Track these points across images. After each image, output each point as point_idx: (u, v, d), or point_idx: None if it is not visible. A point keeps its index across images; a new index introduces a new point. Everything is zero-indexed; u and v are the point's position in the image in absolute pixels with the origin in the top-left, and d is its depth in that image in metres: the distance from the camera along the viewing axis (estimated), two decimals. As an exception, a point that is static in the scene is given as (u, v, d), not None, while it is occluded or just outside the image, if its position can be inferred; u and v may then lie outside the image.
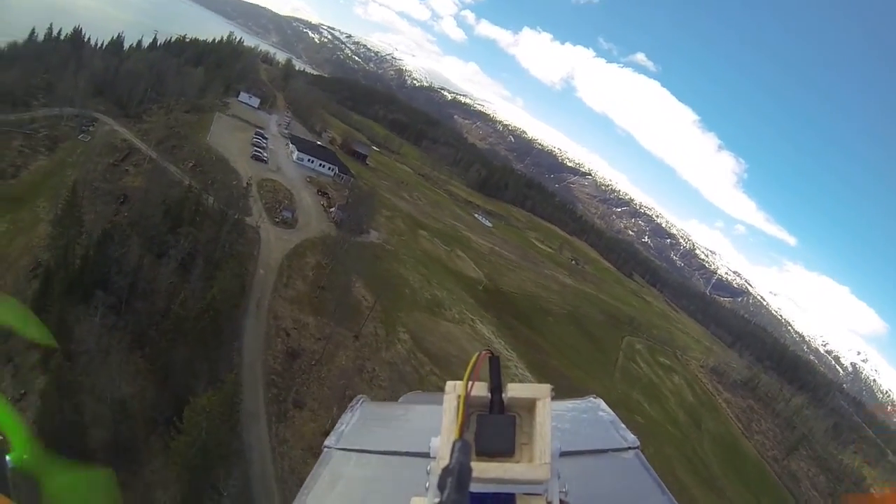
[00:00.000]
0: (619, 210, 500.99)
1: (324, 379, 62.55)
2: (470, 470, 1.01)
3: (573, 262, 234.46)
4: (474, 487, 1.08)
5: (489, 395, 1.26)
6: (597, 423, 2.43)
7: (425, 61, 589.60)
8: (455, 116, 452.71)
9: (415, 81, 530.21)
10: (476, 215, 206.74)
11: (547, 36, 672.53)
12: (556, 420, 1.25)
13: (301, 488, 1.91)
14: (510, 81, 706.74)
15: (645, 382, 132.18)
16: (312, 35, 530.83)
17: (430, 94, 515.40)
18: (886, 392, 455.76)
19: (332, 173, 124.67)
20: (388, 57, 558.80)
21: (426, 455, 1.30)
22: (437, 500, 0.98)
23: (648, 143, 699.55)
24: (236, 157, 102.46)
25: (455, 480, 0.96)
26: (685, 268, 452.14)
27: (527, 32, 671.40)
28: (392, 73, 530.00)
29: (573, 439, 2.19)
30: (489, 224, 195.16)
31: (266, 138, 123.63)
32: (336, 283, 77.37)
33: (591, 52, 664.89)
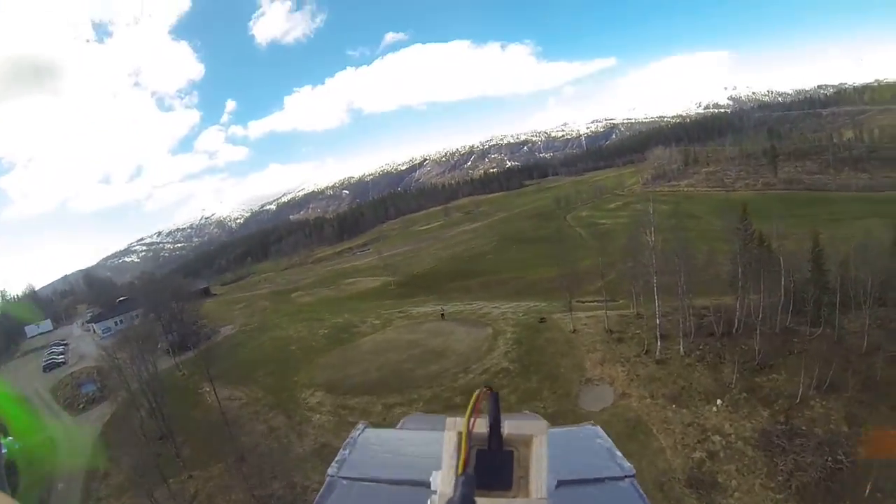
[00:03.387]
0: (469, 163, 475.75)
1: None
2: (473, 503, 1.01)
3: (467, 213, 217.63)
4: None
5: (488, 430, 1.23)
6: (593, 450, 2.40)
7: (234, 198, 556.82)
8: (290, 216, 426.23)
9: (237, 220, 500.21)
10: (352, 255, 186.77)
11: (306, 89, 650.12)
12: (554, 448, 1.24)
13: None
14: (310, 152, 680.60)
15: (618, 229, 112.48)
16: (129, 258, 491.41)
17: (258, 217, 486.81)
18: (769, 91, 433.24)
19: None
20: (202, 222, 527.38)
21: (427, 485, 1.30)
22: None
23: (449, 95, 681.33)
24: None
25: None
26: (554, 155, 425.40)
27: (288, 100, 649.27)
28: (214, 229, 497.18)
29: (570, 468, 2.16)
30: (368, 249, 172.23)
31: (65, 343, 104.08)
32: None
33: (350, 70, 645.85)
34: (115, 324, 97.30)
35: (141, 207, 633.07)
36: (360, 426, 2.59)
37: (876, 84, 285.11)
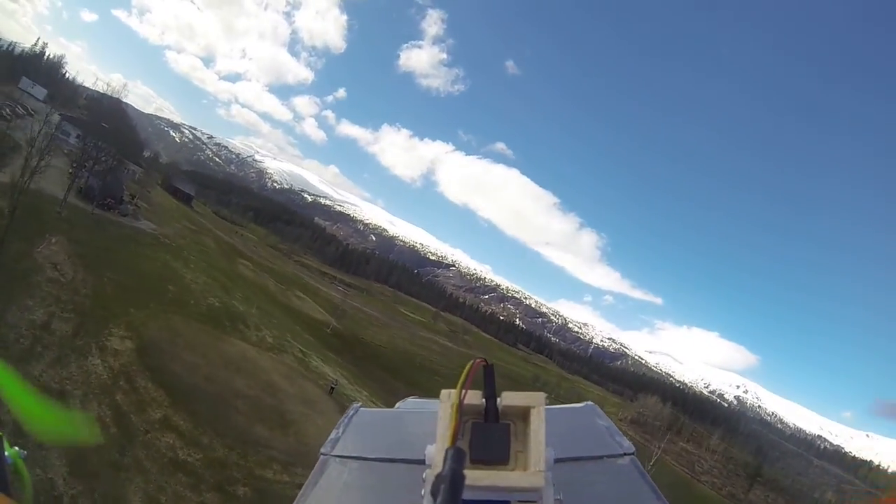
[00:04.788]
0: (487, 297, 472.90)
1: None
2: (463, 477, 0.94)
3: (452, 331, 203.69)
4: (469, 495, 1.02)
5: (484, 402, 1.14)
6: (592, 429, 2.20)
7: (286, 164, 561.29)
8: (315, 219, 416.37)
9: (275, 184, 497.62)
10: (330, 282, 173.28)
11: (406, 132, 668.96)
12: (552, 426, 1.16)
13: (297, 496, 1.80)
14: (370, 182, 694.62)
15: None
16: (173, 134, 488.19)
17: (291, 196, 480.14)
18: (772, 414, 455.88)
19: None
20: (249, 159, 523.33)
21: (423, 462, 1.22)
22: None
23: (511, 230, 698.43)
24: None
25: (448, 487, 0.90)
26: (561, 342, 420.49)
27: (386, 129, 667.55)
28: (253, 174, 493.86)
29: (568, 446, 2.00)
30: (346, 291, 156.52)
31: (30, 112, 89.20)
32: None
33: (450, 147, 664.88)
34: (76, 137, 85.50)
35: (213, 105, 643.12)
36: (355, 406, 2.40)
37: (878, 466, 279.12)
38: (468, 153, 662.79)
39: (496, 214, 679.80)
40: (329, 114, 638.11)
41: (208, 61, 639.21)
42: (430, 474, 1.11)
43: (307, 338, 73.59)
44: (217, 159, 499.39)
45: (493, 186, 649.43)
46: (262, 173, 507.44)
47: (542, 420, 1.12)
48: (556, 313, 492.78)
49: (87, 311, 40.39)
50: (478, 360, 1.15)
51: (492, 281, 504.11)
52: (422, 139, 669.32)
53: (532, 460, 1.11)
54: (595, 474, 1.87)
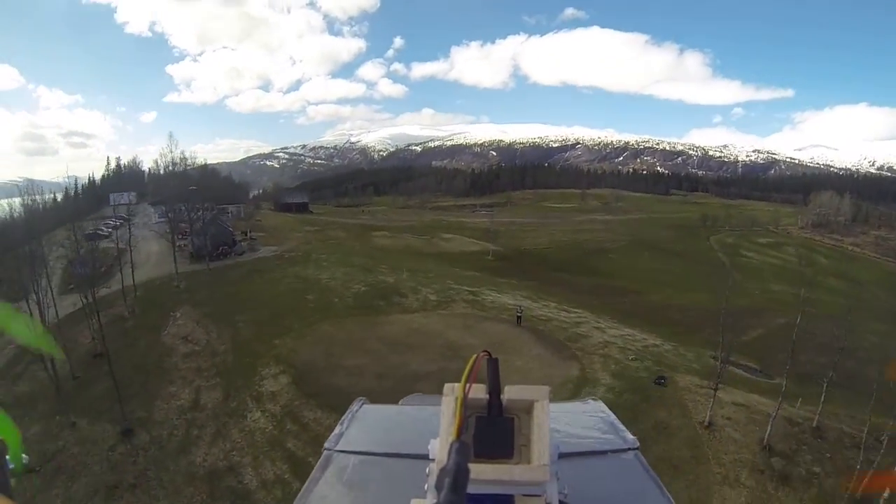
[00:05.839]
0: (621, 159, 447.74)
1: None
2: (467, 471, 0.95)
3: (604, 204, 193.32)
4: (473, 489, 1.02)
5: (488, 396, 1.17)
6: (596, 424, 2.35)
7: (382, 131, 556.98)
8: (433, 163, 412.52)
9: (380, 153, 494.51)
10: (471, 211, 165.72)
11: (475, 45, 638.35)
12: (556, 422, 1.23)
13: (301, 490, 1.83)
14: (467, 105, 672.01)
15: (766, 269, 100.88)
16: (269, 163, 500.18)
17: (400, 155, 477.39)
18: None
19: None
20: (346, 145, 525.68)
21: (426, 457, 1.25)
22: (434, 501, 0.93)
23: (615, 85, 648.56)
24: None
25: (451, 481, 0.91)
26: (708, 173, 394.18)
27: (456, 51, 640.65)
28: (357, 156, 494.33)
29: (573, 440, 2.15)
30: (491, 211, 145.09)
31: (123, 217, 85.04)
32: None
33: (522, 36, 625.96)
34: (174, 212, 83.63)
35: (292, 119, 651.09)
36: (359, 401, 2.52)
37: None
38: (542, 34, 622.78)
39: (595, 77, 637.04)
40: (397, 66, 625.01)
41: (266, 87, 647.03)
42: (434, 468, 1.09)
43: (471, 274, 67.65)
44: (320, 161, 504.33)
45: (581, 52, 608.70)
46: (364, 151, 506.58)
47: (546, 414, 1.13)
48: (692, 146, 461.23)
49: (231, 367, 36.63)
50: (481, 354, 1.16)
51: (619, 141, 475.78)
52: (493, 43, 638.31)
53: (536, 454, 1.12)
54: (599, 469, 1.94)
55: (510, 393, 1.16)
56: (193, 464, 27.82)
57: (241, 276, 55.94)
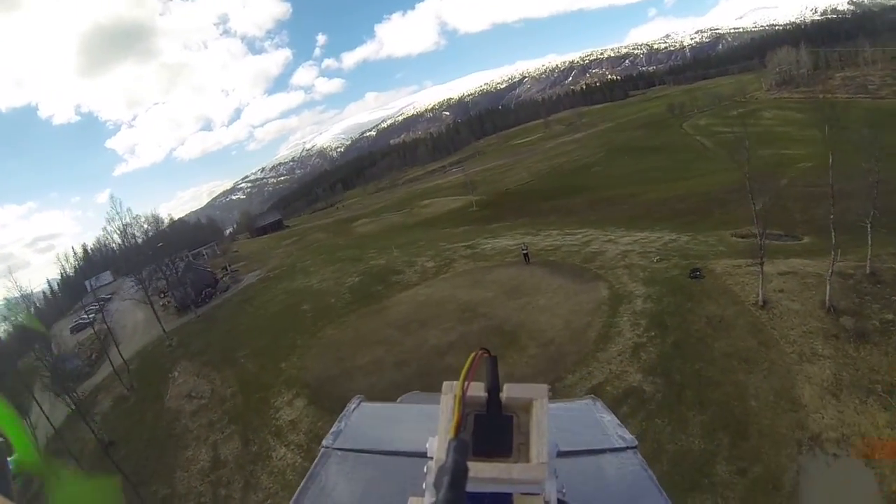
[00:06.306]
0: (570, 79, 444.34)
1: None
2: (465, 469, 0.95)
3: (569, 124, 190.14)
4: (472, 487, 1.01)
5: (486, 395, 1.16)
6: (595, 423, 2.35)
7: (333, 128, 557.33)
8: (391, 141, 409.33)
9: (338, 150, 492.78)
10: (442, 173, 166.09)
11: (396, 16, 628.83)
12: (555, 420, 1.18)
13: (298, 488, 1.82)
14: (407, 77, 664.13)
15: (749, 137, 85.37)
16: (236, 197, 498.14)
17: (358, 145, 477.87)
18: None
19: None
20: (303, 154, 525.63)
21: (424, 455, 1.23)
22: (433, 499, 0.92)
23: (544, 10, 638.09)
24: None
25: (450, 479, 0.90)
26: (658, 67, 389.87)
27: (379, 28, 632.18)
28: (316, 160, 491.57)
29: (571, 439, 2.14)
30: (461, 167, 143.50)
31: (105, 298, 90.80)
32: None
33: None
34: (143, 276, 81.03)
35: (243, 148, 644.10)
36: (356, 399, 2.50)
37: None
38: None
39: (522, 9, 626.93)
40: (328, 62, 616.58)
41: (208, 126, 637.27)
42: (432, 467, 1.09)
43: (461, 230, 64.81)
44: (283, 177, 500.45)
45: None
46: (322, 153, 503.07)
47: (544, 412, 1.13)
48: (636, 45, 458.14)
49: (243, 409, 33.33)
50: (480, 352, 1.16)
51: (564, 63, 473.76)
52: (413, 9, 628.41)
53: (534, 453, 1.11)
54: (598, 467, 1.94)
55: (509, 391, 1.15)
56: (238, 524, 24.87)
57: (231, 312, 52.77)
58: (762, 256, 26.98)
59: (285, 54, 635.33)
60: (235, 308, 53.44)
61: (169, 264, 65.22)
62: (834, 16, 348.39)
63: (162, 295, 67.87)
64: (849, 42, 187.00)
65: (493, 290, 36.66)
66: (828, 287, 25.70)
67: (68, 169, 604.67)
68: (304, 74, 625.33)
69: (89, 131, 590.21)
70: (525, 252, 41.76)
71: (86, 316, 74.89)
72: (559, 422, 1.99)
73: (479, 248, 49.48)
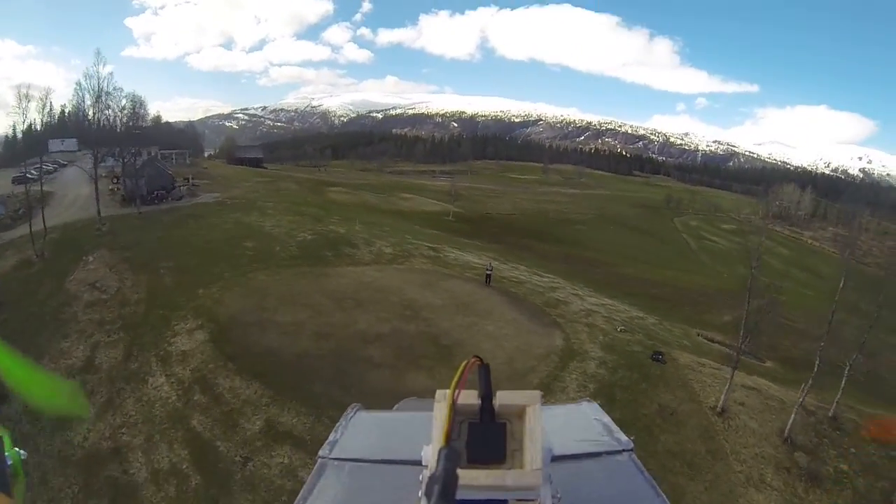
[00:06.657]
0: (583, 138, 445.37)
1: None
2: (456, 477, 0.94)
3: (567, 178, 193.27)
4: (466, 495, 1.02)
5: (479, 402, 1.16)
6: (590, 426, 2.28)
7: (345, 96, 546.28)
8: (393, 130, 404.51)
9: (341, 118, 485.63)
10: (431, 177, 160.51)
11: (444, 13, 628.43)
12: (550, 424, 1.20)
13: (296, 500, 1.78)
14: (432, 75, 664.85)
15: (733, 254, 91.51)
16: (228, 124, 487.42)
17: (361, 121, 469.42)
18: None
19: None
20: (307, 109, 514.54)
21: (421, 464, 1.24)
22: None
23: (583, 65, 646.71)
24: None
25: (440, 487, 0.90)
26: (668, 159, 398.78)
27: (424, 19, 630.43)
28: (317, 120, 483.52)
29: (566, 443, 2.04)
30: (452, 177, 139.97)
31: (59, 163, 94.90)
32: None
33: (493, 9, 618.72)
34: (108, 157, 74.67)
35: (254, 80, 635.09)
36: (353, 408, 2.43)
37: None
38: (513, 7, 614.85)
39: (563, 56, 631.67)
40: (364, 31, 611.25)
41: (228, 45, 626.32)
42: (426, 475, 1.09)
43: (431, 232, 61.84)
44: (280, 123, 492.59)
45: (550, 29, 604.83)
46: (325, 115, 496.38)
47: (538, 418, 1.12)
48: (655, 131, 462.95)
49: (141, 320, 29.92)
50: (472, 360, 1.15)
51: (582, 121, 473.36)
52: (462, 13, 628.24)
53: (528, 459, 1.10)
54: (593, 471, 1.90)
55: (502, 398, 1.15)
56: (70, 444, 21.56)
57: (174, 221, 49.11)
58: (736, 363, 25.15)
59: (327, 6, 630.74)
60: (180, 219, 49.93)
61: (133, 153, 61.92)
62: (843, 176, 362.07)
63: (115, 180, 65.08)
64: (850, 204, 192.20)
65: (444, 299, 33.84)
66: (792, 417, 23.70)
67: (79, 30, 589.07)
68: (338, 34, 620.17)
69: (114, 1, 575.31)
70: (489, 273, 39.23)
71: (34, 172, 72.04)
72: (554, 425, 1.92)
73: (443, 253, 46.77)
